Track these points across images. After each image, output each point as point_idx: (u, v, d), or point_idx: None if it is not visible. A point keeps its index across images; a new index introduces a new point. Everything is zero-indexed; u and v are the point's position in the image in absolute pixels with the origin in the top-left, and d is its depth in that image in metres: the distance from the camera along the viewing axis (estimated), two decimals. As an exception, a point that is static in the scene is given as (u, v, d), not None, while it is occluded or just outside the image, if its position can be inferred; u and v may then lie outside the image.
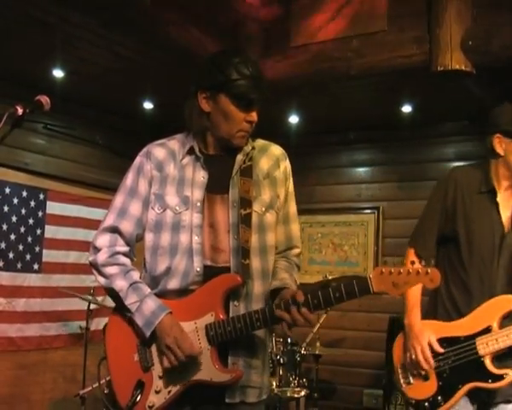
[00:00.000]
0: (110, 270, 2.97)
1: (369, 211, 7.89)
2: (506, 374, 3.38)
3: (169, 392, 2.87)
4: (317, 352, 6.32)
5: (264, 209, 3.00)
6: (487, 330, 3.43)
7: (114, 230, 3.02)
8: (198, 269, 2.89)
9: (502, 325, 3.43)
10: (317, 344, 6.40)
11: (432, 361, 3.50)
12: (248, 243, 2.91)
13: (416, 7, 5.48)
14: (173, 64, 5.79)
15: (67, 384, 7.02)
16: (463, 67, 5.13)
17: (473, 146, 7.20)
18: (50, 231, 7.08)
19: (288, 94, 6.15)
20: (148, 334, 2.88)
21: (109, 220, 3.03)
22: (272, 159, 3.10)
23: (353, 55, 5.61)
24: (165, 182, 3.00)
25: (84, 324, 6.73)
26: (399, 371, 3.68)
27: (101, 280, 3.00)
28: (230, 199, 2.95)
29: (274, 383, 5.85)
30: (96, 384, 4.34)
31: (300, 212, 7.99)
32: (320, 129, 7.79)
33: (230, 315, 2.87)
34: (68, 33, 5.24)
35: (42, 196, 7.00)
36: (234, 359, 2.90)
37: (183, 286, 2.90)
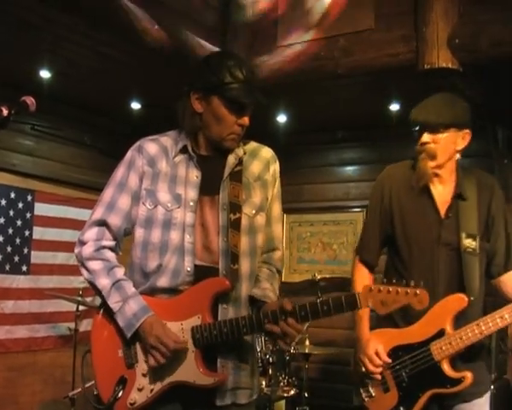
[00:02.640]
0: (94, 265, 2.97)
1: (357, 209, 7.88)
2: (464, 377, 3.38)
3: (151, 390, 2.88)
4: (306, 351, 6.31)
5: (254, 212, 3.02)
6: (441, 334, 3.41)
7: (102, 223, 3.01)
8: (189, 269, 2.90)
9: (456, 326, 3.41)
10: (307, 343, 6.40)
11: (380, 363, 3.49)
12: (237, 247, 2.92)
13: (402, 5, 5.48)
14: (160, 64, 5.77)
15: (57, 386, 7.00)
16: (450, 65, 5.13)
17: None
18: (38, 233, 7.05)
19: (276, 93, 6.14)
20: (129, 335, 2.88)
21: (97, 214, 3.03)
22: (263, 162, 3.12)
23: (340, 53, 5.60)
24: (157, 178, 2.99)
25: (72, 325, 6.72)
26: (360, 385, 3.65)
27: (85, 274, 3.00)
28: (221, 201, 2.96)
29: (263, 383, 5.84)
30: (86, 385, 4.30)
31: (289, 211, 8.01)
32: (308, 128, 7.79)
33: (219, 318, 2.88)
34: (55, 34, 5.22)
35: (30, 198, 6.97)
36: (223, 361, 2.91)
37: (173, 285, 2.91)
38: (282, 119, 7.40)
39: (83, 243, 3.01)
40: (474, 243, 3.50)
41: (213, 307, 2.89)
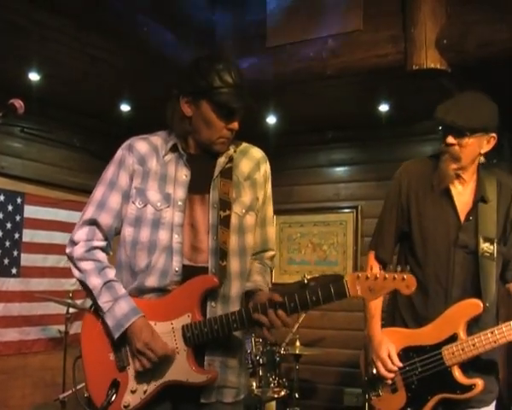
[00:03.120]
0: (85, 265, 2.96)
1: (347, 210, 7.90)
2: (475, 385, 3.32)
3: (145, 392, 2.87)
4: (297, 352, 6.33)
5: (244, 211, 3.02)
6: (453, 339, 3.36)
7: (93, 222, 3.00)
8: (177, 269, 2.90)
9: (468, 332, 3.36)
10: (297, 344, 6.40)
11: (394, 369, 3.45)
12: (226, 244, 2.92)
13: (390, 6, 5.50)
14: (149, 66, 5.77)
15: (47, 389, 6.98)
16: (438, 66, 5.16)
17: (450, 144, 7.24)
18: (28, 235, 7.03)
19: (265, 94, 6.15)
20: (116, 336, 2.88)
21: (88, 213, 3.01)
22: (253, 161, 3.12)
23: (329, 54, 5.62)
24: (147, 177, 2.99)
25: (63, 328, 6.71)
26: (368, 384, 3.61)
27: (76, 273, 2.99)
28: (211, 200, 2.96)
29: (254, 384, 5.85)
30: (77, 387, 4.30)
31: (279, 212, 8.01)
32: (298, 129, 7.80)
33: (208, 316, 2.88)
34: (44, 36, 5.21)
35: (19, 200, 6.95)
36: (210, 359, 2.91)
37: (162, 285, 2.90)
38: (271, 120, 7.41)
39: (74, 243, 3.00)
40: (491, 247, 3.42)
41: (203, 305, 2.89)
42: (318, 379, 7.62)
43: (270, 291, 2.94)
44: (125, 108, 7.10)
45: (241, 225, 3.00)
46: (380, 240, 3.72)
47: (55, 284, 7.16)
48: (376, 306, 3.62)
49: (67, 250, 3.02)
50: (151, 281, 2.91)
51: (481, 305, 3.34)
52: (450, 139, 3.39)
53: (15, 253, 6.89)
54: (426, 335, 3.43)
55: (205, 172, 3.00)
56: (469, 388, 3.33)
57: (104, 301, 2.91)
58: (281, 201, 7.94)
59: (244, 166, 3.09)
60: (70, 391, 6.05)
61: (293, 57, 5.78)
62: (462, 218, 3.48)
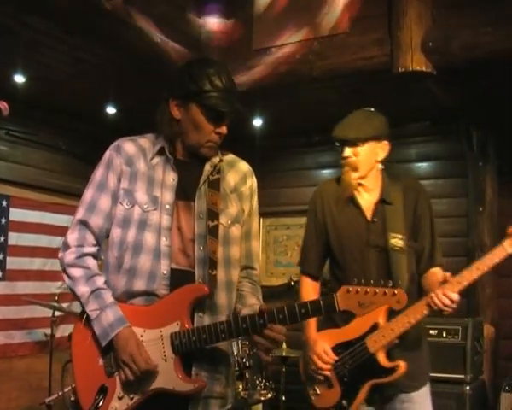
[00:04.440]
0: (75, 272, 2.96)
1: (334, 213, 7.90)
2: (397, 366, 3.55)
3: (131, 399, 2.86)
4: (283, 354, 6.33)
5: (230, 222, 3.02)
6: (375, 328, 3.59)
7: (84, 224, 3.00)
8: (165, 272, 2.89)
9: (388, 320, 3.59)
10: (284, 346, 6.40)
11: (330, 361, 3.68)
12: (216, 254, 2.92)
13: (377, 9, 5.51)
14: (136, 69, 5.77)
15: (33, 392, 6.96)
16: (424, 69, 5.17)
17: (435, 147, 7.28)
18: (14, 238, 6.99)
19: (251, 97, 6.15)
20: (103, 344, 2.88)
21: (79, 215, 3.01)
22: (240, 174, 3.13)
23: (315, 57, 5.62)
24: (134, 178, 2.98)
25: (49, 331, 6.68)
26: (307, 385, 3.86)
27: (66, 280, 3.00)
28: (197, 209, 2.96)
29: (240, 387, 5.85)
30: (64, 390, 4.32)
31: (266, 214, 8.02)
32: (284, 131, 7.79)
33: (195, 326, 2.87)
34: (29, 39, 5.20)
35: (5, 203, 6.92)
36: (197, 369, 2.90)
37: (150, 289, 2.89)
38: (257, 122, 7.39)
39: (66, 248, 3.01)
40: (400, 242, 3.70)
41: (191, 314, 2.88)
42: (305, 382, 7.63)
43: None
44: (110, 110, 7.08)
45: (226, 236, 3.00)
46: (304, 256, 4.07)
47: (41, 287, 7.12)
48: None
49: (60, 254, 3.03)
50: (139, 284, 2.90)
51: None
52: (347, 152, 3.78)
53: (1, 256, 6.85)
54: (351, 330, 3.67)
55: (191, 178, 3.00)
56: (393, 370, 3.56)
57: (91, 309, 2.91)
58: (267, 203, 7.95)
59: (231, 179, 3.09)
60: (56, 395, 6.04)
61: (280, 60, 5.79)
62: (369, 220, 3.80)
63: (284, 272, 8.02)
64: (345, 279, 3.51)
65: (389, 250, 3.69)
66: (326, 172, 8.05)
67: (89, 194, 3.03)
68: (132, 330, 2.87)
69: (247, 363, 5.91)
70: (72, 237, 3.01)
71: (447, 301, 3.43)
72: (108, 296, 2.93)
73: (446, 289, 3.43)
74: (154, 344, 2.86)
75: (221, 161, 3.08)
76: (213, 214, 2.96)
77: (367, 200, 3.81)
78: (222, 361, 3.03)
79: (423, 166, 7.39)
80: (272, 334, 2.77)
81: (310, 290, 3.95)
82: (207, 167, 3.02)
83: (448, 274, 3.49)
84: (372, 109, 3.99)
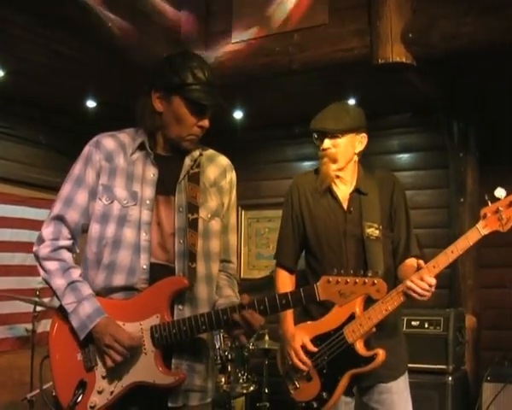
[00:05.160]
0: (50, 265, 2.96)
1: (315, 205, 7.91)
2: (376, 354, 3.56)
3: (111, 393, 2.85)
4: (266, 346, 6.33)
5: (209, 216, 3.03)
6: (352, 318, 3.60)
7: (60, 218, 3.00)
8: (144, 266, 2.89)
9: (365, 308, 3.60)
10: (266, 339, 6.40)
11: (307, 361, 3.67)
12: (195, 246, 2.93)
13: (356, 0, 5.51)
14: (115, 62, 5.74)
15: (15, 388, 6.91)
16: (404, 60, 5.17)
17: (416, 138, 7.29)
18: (-6, 233, 6.96)
19: (231, 89, 6.14)
20: (82, 337, 2.87)
21: (55, 210, 3.01)
22: (219, 168, 3.14)
23: (295, 49, 5.62)
24: (114, 173, 2.99)
25: (30, 326, 6.65)
26: (286, 379, 3.83)
27: (41, 273, 3.00)
28: (177, 203, 2.97)
29: (223, 380, 5.85)
30: (44, 386, 4.29)
31: (247, 207, 8.00)
32: (265, 124, 7.79)
33: (175, 319, 2.86)
34: (8, 33, 5.17)
35: (-16, 198, 6.89)
36: (177, 362, 2.91)
37: (129, 283, 2.89)
38: (238, 115, 7.40)
39: (41, 241, 3.00)
40: (376, 231, 3.75)
41: (171, 307, 2.89)
42: (288, 374, 7.64)
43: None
44: (90, 104, 7.05)
45: (206, 229, 3.01)
46: (279, 249, 4.06)
47: (22, 282, 7.08)
48: None
49: (34, 248, 3.02)
50: (118, 279, 2.90)
51: None
52: (326, 143, 3.81)
53: (-19, 251, 6.82)
54: (329, 321, 3.68)
55: (171, 173, 3.01)
56: (371, 358, 3.56)
57: (68, 302, 2.91)
58: (249, 196, 7.96)
59: (210, 173, 3.10)
60: (38, 390, 6.01)
61: (259, 52, 5.78)
62: (346, 210, 3.83)
63: (266, 264, 8.01)
64: (322, 270, 3.52)
65: (365, 239, 3.72)
66: (307, 164, 8.04)
67: (66, 189, 3.03)
68: (111, 319, 2.87)
69: (229, 356, 5.91)
70: (47, 230, 3.01)
71: (425, 286, 3.44)
72: (85, 289, 2.93)
73: (423, 274, 3.46)
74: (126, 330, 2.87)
75: (201, 155, 3.09)
76: (193, 208, 2.96)
77: (343, 191, 3.84)
78: (202, 353, 3.03)
79: (404, 157, 7.40)
80: (249, 318, 2.77)
81: (286, 283, 3.94)
82: (187, 161, 3.03)
83: (422, 262, 3.52)
84: (349, 102, 4.02)
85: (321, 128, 3.84)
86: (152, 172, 2.98)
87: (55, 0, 4.94)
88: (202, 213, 2.99)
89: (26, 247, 6.95)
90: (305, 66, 5.65)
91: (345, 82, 6.19)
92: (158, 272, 2.89)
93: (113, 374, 2.85)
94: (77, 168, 3.04)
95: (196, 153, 3.06)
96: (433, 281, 3.46)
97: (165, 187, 2.99)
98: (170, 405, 2.89)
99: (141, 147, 3.02)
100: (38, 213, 7.11)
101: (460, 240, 3.49)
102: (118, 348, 2.80)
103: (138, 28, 5.61)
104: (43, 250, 2.98)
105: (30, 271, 6.95)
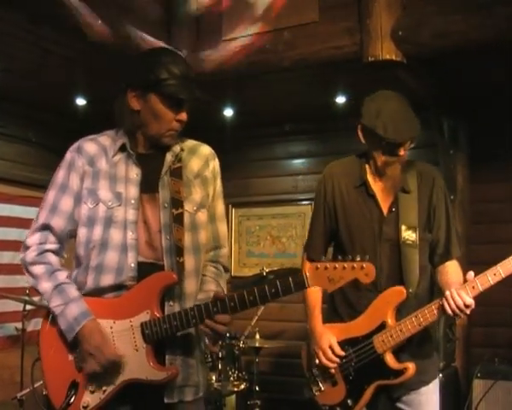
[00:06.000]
0: (36, 269, 2.99)
1: (306, 202, 7.91)
2: (406, 368, 3.45)
3: (104, 392, 2.86)
4: (256, 344, 6.32)
5: (195, 208, 3.04)
6: (383, 327, 3.49)
7: (46, 227, 3.02)
8: (132, 265, 2.90)
9: (398, 318, 3.49)
10: (257, 337, 6.40)
11: (336, 360, 3.56)
12: (182, 241, 2.94)
13: (346, -3, 5.51)
14: (104, 60, 5.72)
15: (5, 387, 6.90)
16: (394, 57, 5.16)
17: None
18: (-17, 232, 6.93)
19: (222, 87, 6.14)
20: (69, 338, 2.89)
21: (41, 218, 3.03)
22: (202, 159, 3.14)
23: (285, 46, 5.61)
24: (97, 177, 3.00)
25: (20, 325, 6.63)
26: (310, 379, 3.74)
27: (30, 280, 3.03)
28: (161, 199, 2.98)
29: (213, 378, 5.84)
30: (35, 385, 4.28)
31: (238, 205, 8.00)
32: (255, 121, 7.79)
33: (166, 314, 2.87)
34: (-4, 30, 5.15)
35: (-27, 197, 6.86)
36: (171, 358, 2.92)
37: (118, 282, 2.90)
38: (228, 113, 7.41)
39: (26, 248, 3.04)
40: (413, 234, 3.57)
41: (161, 304, 2.89)
42: (278, 372, 7.65)
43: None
44: (80, 102, 7.04)
45: (193, 222, 3.02)
46: (310, 242, 3.87)
47: (11, 280, 7.06)
48: (316, 299, 3.76)
49: (21, 255, 3.06)
50: (107, 279, 2.91)
51: (404, 291, 3.48)
52: (402, 151, 3.53)
53: (-30, 250, 6.80)
54: (358, 326, 3.58)
55: (153, 171, 3.02)
56: (401, 372, 3.46)
57: (55, 304, 2.93)
58: (239, 193, 7.97)
59: (193, 165, 3.11)
60: (28, 389, 5.99)
61: (250, 49, 5.77)
62: (385, 211, 3.63)
63: (257, 262, 8.03)
64: None
65: (401, 245, 3.56)
66: (297, 161, 8.07)
67: (50, 196, 3.06)
68: (97, 323, 2.88)
69: (220, 354, 5.91)
70: (32, 237, 3.05)
71: (460, 303, 3.30)
72: (72, 290, 2.95)
73: (461, 290, 3.32)
74: (124, 335, 2.87)
75: (182, 149, 3.09)
76: (177, 202, 2.97)
77: (382, 189, 3.66)
78: (194, 347, 3.04)
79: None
80: (212, 324, 2.79)
81: None
82: (169, 157, 3.04)
83: (471, 276, 3.37)
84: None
85: (401, 140, 3.50)
86: (135, 173, 3.00)
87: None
88: (188, 207, 3.00)
89: (14, 245, 6.92)
90: (296, 63, 5.63)
91: (335, 80, 6.20)
92: (146, 270, 2.90)
93: (105, 373, 2.85)
94: (60, 175, 3.07)
95: (177, 148, 3.07)
96: (469, 300, 3.31)
97: (148, 185, 3.00)
98: (166, 401, 2.90)
99: (122, 148, 3.03)
100: (27, 211, 7.09)
101: (505, 262, 3.35)
102: (100, 361, 2.82)
103: (128, 25, 5.58)
104: (30, 255, 3.01)
105: (19, 269, 6.79)
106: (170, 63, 2.91)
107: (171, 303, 2.91)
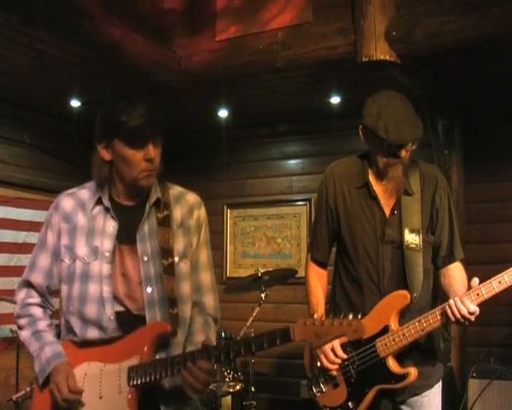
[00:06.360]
0: (21, 322, 3.09)
1: (301, 203, 7.93)
2: (408, 373, 3.44)
3: None
4: (252, 345, 6.30)
5: (177, 259, 3.00)
6: (385, 331, 3.48)
7: (27, 283, 3.10)
8: (111, 317, 2.91)
9: (401, 322, 3.48)
10: (253, 338, 6.38)
11: (338, 361, 3.51)
12: (174, 292, 2.93)
13: (340, -2, 5.51)
14: (99, 61, 5.72)
15: (1, 390, 6.90)
16: (388, 57, 5.16)
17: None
18: (-22, 234, 6.92)
19: (216, 88, 6.14)
20: (40, 381, 2.93)
21: (24, 275, 3.13)
22: (186, 208, 3.10)
23: (279, 47, 5.61)
24: (73, 233, 3.01)
25: (15, 327, 6.60)
26: (312, 381, 3.73)
27: (19, 333, 3.11)
28: (140, 252, 2.96)
29: (209, 379, 5.83)
30: (29, 389, 4.28)
31: (232, 206, 8.02)
32: (249, 122, 7.81)
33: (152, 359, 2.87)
34: (-11, 31, 5.15)
35: (-32, 199, 6.85)
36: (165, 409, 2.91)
37: (102, 336, 2.91)
38: (223, 113, 7.39)
39: (15, 303, 3.14)
40: (417, 238, 3.55)
41: (154, 351, 2.89)
42: (274, 372, 7.66)
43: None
44: (75, 103, 7.01)
45: (177, 273, 2.99)
46: (314, 243, 3.88)
47: (6, 282, 7.03)
48: (318, 301, 3.75)
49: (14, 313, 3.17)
50: (91, 334, 2.93)
51: (409, 296, 3.47)
52: (404, 153, 3.50)
53: (-35, 252, 6.79)
54: None
55: (132, 222, 2.99)
56: (403, 377, 3.45)
57: (33, 349, 3.00)
58: (234, 194, 7.98)
59: (177, 214, 3.07)
60: (24, 391, 5.98)
61: (243, 50, 5.77)
62: (388, 213, 3.62)
63: (252, 263, 8.03)
64: (356, 274, 3.57)
65: (404, 247, 3.54)
66: (292, 162, 8.08)
67: (33, 253, 3.13)
68: (67, 364, 2.92)
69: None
70: (18, 295, 3.14)
71: (464, 311, 3.31)
72: (49, 337, 3.03)
73: (465, 298, 3.33)
74: (112, 377, 2.87)
75: (163, 196, 3.05)
76: (167, 252, 2.96)
77: (385, 191, 3.64)
78: (189, 399, 3.00)
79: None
80: (193, 369, 2.74)
81: (316, 279, 3.81)
82: (147, 208, 3.00)
83: (476, 282, 3.37)
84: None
85: (403, 142, 3.48)
86: (111, 226, 2.98)
87: (37, -1, 4.92)
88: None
89: (9, 248, 6.92)
90: (290, 64, 5.63)
91: (329, 80, 6.21)
92: (126, 321, 2.91)
93: None
94: (41, 232, 3.13)
95: (154, 197, 3.02)
96: (473, 308, 3.33)
97: (127, 237, 2.98)
98: None
99: (99, 201, 3.03)
100: (21, 213, 7.06)
101: (511, 269, 3.35)
102: (57, 396, 2.84)
103: (123, 26, 5.58)
104: (16, 310, 3.12)
105: (14, 271, 6.91)
106: (126, 106, 2.86)
107: (162, 353, 2.90)
